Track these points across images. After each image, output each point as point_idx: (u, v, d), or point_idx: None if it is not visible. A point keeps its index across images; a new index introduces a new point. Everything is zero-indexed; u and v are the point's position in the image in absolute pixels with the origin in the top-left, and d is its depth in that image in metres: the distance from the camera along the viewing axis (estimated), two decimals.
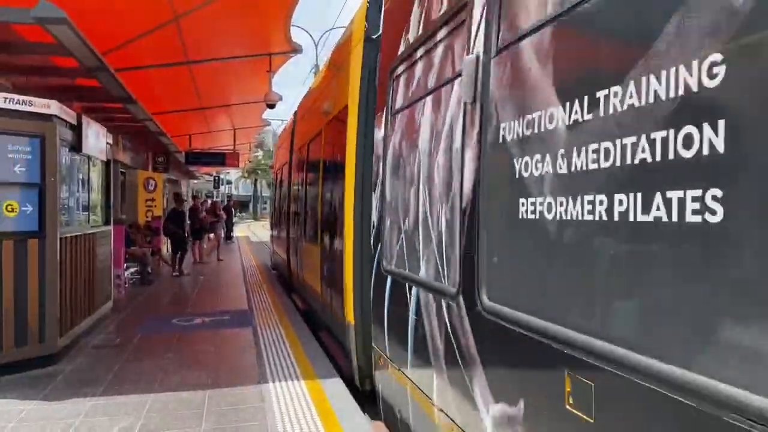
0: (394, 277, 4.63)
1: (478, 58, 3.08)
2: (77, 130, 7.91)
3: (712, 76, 1.63)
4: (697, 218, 1.65)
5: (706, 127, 1.63)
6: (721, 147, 1.59)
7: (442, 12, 3.75)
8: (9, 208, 6.65)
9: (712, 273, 1.65)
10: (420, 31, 4.21)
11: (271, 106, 14.95)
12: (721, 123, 1.58)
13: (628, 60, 1.97)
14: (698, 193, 1.65)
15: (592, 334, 2.07)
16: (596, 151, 2.10)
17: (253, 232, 42.00)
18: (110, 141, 9.77)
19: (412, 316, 4.07)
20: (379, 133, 5.27)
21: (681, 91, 1.74)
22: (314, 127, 9.52)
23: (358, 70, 6.22)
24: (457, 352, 3.23)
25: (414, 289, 4.08)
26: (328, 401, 5.67)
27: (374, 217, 5.32)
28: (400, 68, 4.67)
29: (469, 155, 3.15)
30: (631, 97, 1.94)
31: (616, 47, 2.15)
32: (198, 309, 10.85)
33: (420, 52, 4.20)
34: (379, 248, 5.08)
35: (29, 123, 6.76)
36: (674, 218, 1.73)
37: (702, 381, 1.62)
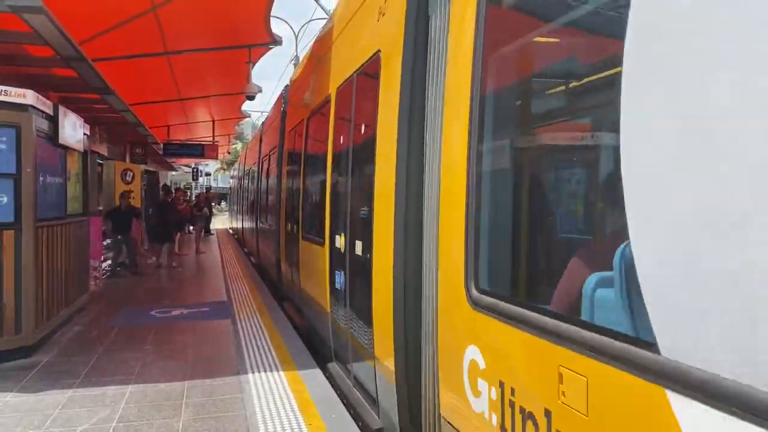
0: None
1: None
2: (54, 120, 7.83)
3: None
4: None
5: None
6: None
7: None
8: None
9: None
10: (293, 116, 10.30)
11: (251, 98, 14.87)
12: None
13: None
14: None
15: None
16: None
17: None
18: (87, 132, 9.67)
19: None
20: (282, 164, 11.37)
21: None
22: (267, 149, 14.78)
23: (278, 128, 11.92)
24: None
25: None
26: (307, 391, 5.72)
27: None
28: (291, 130, 10.14)
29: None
30: None
31: None
32: (177, 300, 10.81)
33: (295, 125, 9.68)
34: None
35: (5, 113, 6.69)
36: None
37: None
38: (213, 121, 21.69)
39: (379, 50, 4.61)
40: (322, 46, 7.58)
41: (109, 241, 14.68)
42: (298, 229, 8.60)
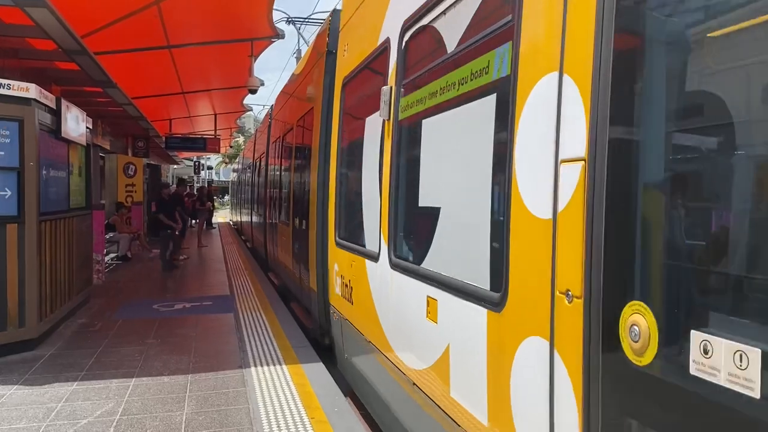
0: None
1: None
2: (56, 113, 7.83)
3: None
4: None
5: None
6: None
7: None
8: None
9: None
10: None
11: (253, 92, 14.84)
12: None
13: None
14: None
15: None
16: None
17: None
18: (89, 125, 9.67)
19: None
20: (268, 167, 14.42)
21: None
22: (258, 154, 17.67)
23: (265, 139, 15.17)
24: None
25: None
26: (310, 384, 5.75)
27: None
28: (273, 143, 13.36)
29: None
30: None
31: None
32: (180, 294, 10.85)
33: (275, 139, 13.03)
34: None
35: (8, 106, 6.68)
36: None
37: None
38: (215, 115, 21.68)
39: (312, 106, 7.85)
40: (290, 90, 11.19)
41: (111, 234, 14.71)
42: (277, 217, 11.80)
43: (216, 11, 10.04)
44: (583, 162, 2.09)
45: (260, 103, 68.11)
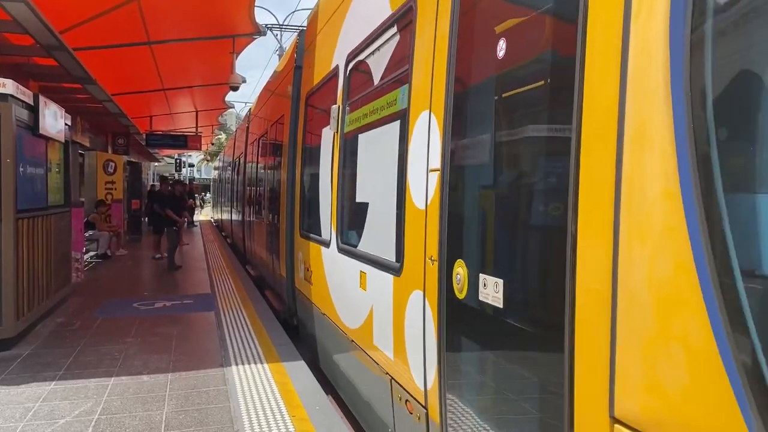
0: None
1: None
2: (34, 110, 7.72)
3: None
4: None
5: None
6: None
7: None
8: None
9: None
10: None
11: (234, 89, 14.72)
12: None
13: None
14: None
15: None
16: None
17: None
18: (68, 122, 9.55)
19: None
20: (245, 167, 16.02)
21: None
22: (237, 153, 19.00)
23: (244, 140, 16.30)
24: None
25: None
26: (291, 383, 5.74)
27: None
28: (250, 144, 14.64)
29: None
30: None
31: None
32: (160, 293, 10.76)
33: (252, 141, 14.38)
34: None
35: None
36: None
37: None
38: (196, 112, 21.49)
39: (283, 114, 8.80)
40: (265, 97, 12.21)
41: (91, 232, 14.55)
42: (253, 213, 13.16)
43: (197, 7, 9.96)
44: (438, 171, 3.14)
45: (242, 101, 67.77)
